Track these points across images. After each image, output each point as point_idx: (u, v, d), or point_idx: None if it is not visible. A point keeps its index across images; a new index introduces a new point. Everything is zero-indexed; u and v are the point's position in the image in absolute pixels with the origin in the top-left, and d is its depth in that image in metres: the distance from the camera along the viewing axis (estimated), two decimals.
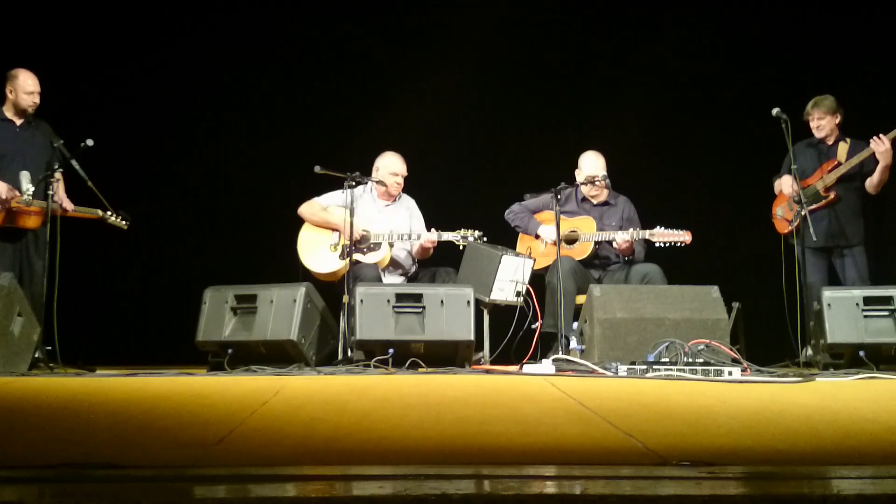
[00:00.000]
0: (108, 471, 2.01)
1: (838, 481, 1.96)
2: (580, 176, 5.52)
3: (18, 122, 5.27)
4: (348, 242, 5.16)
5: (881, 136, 5.18)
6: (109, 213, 5.33)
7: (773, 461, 2.21)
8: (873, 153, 5.20)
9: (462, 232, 5.24)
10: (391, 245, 5.36)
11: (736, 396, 3.35)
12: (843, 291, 4.72)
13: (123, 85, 6.79)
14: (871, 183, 5.32)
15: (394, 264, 5.44)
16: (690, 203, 6.44)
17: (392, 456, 2.25)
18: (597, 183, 5.44)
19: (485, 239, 5.23)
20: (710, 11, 6.71)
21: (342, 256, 5.27)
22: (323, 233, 5.40)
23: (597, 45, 7.01)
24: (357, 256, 5.20)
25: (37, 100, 5.26)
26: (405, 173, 5.56)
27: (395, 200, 5.59)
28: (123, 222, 5.38)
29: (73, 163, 5.06)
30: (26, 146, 5.24)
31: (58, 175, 5.16)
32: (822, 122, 5.46)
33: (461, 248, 5.25)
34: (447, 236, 5.28)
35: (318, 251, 5.37)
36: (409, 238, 5.38)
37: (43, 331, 4.73)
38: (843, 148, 5.43)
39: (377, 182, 5.47)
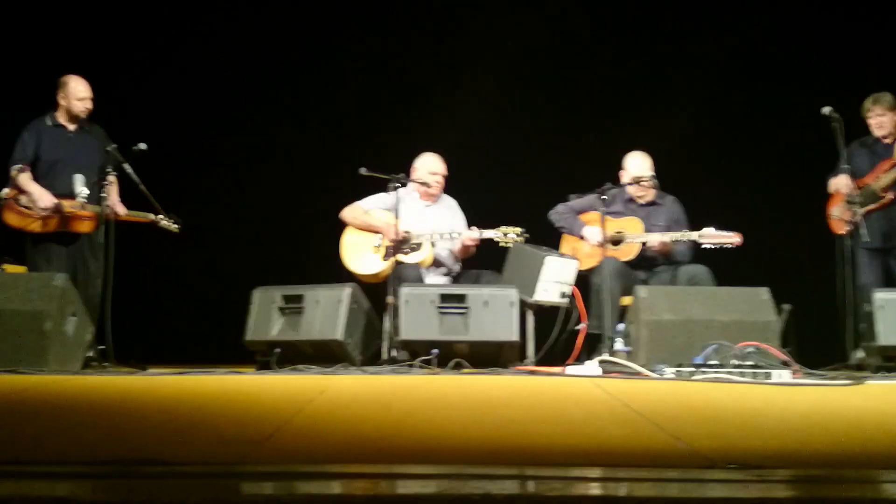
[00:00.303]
0: (157, 467, 2.05)
1: (888, 485, 1.92)
2: (626, 176, 5.47)
3: (71, 127, 5.37)
4: (390, 244, 5.19)
5: None
6: (161, 216, 5.40)
7: (822, 464, 2.18)
8: None
9: (503, 229, 5.17)
10: (433, 245, 5.37)
11: (785, 399, 3.30)
12: (894, 293, 4.63)
13: (173, 89, 6.88)
14: None
15: (436, 264, 5.44)
16: (740, 203, 6.34)
17: (436, 455, 2.26)
18: (643, 183, 5.38)
19: (527, 235, 5.15)
20: (761, 6, 6.60)
21: (385, 258, 5.30)
22: (366, 235, 5.43)
23: (644, 42, 6.94)
24: (399, 257, 5.22)
25: (89, 105, 5.34)
26: (445, 172, 5.57)
27: (436, 201, 5.60)
28: (175, 226, 5.44)
29: (126, 167, 5.14)
30: (79, 151, 5.32)
31: (111, 179, 5.22)
32: (884, 119, 5.33)
33: (501, 245, 5.19)
34: (488, 234, 5.24)
35: (361, 253, 5.40)
36: (451, 237, 5.36)
37: (96, 331, 4.83)
38: None
39: (420, 183, 5.48)
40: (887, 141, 5.36)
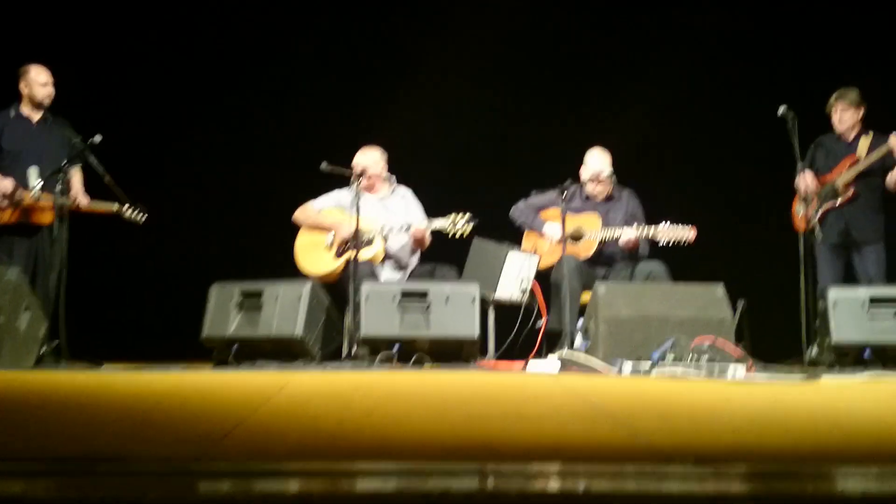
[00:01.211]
0: (113, 465, 2.02)
1: (843, 480, 1.95)
2: (585, 172, 5.51)
3: (35, 118, 5.30)
4: (342, 241, 5.17)
5: None
6: (126, 206, 5.34)
7: (778, 460, 2.21)
8: (893, 149, 5.14)
9: (452, 217, 5.12)
10: (384, 239, 5.32)
11: (741, 395, 3.35)
12: (848, 291, 4.72)
13: (132, 82, 6.80)
14: (892, 180, 5.23)
15: (389, 258, 5.40)
16: (697, 199, 6.41)
17: (396, 452, 2.25)
18: (601, 180, 5.43)
19: (475, 221, 5.09)
20: (720, 4, 6.67)
21: (337, 256, 5.27)
22: (318, 235, 5.39)
23: (604, 38, 6.97)
24: (350, 254, 5.18)
25: (51, 90, 5.29)
26: (373, 163, 5.46)
27: (382, 193, 5.55)
28: (140, 216, 5.39)
29: (91, 158, 5.10)
30: (42, 143, 5.26)
31: (75, 171, 5.23)
32: (846, 116, 5.39)
33: (450, 235, 5.14)
34: (437, 223, 5.20)
35: (314, 253, 5.36)
36: (401, 229, 5.31)
37: (50, 325, 4.75)
38: (863, 143, 5.35)
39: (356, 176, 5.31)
40: (851, 136, 5.42)
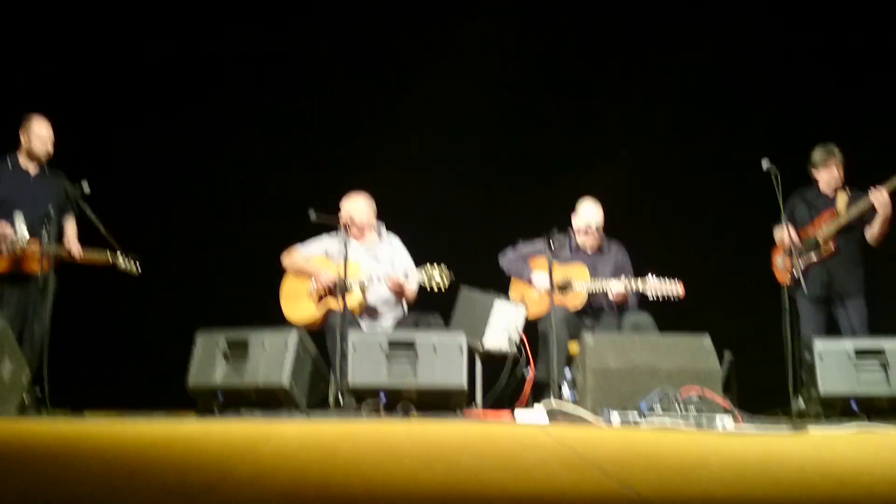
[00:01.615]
0: None
1: None
2: (577, 221, 5.55)
3: (32, 170, 5.31)
4: (322, 289, 5.17)
5: (878, 186, 5.19)
6: (121, 257, 5.33)
7: None
8: (873, 204, 5.21)
9: (427, 270, 5.11)
10: (363, 289, 5.30)
11: (729, 447, 3.34)
12: (834, 343, 4.75)
13: (121, 132, 6.84)
14: (872, 235, 5.32)
15: (369, 311, 5.37)
16: (684, 251, 6.47)
17: (384, 503, 2.23)
18: (588, 233, 5.47)
19: (450, 272, 5.08)
20: (703, 59, 6.78)
21: (318, 304, 5.26)
22: (302, 282, 5.39)
23: (589, 89, 7.08)
24: (330, 303, 5.17)
25: (50, 149, 5.32)
26: (361, 212, 5.48)
27: (379, 239, 5.55)
28: (135, 268, 5.38)
29: (87, 210, 5.15)
30: (37, 194, 5.25)
31: (69, 221, 5.31)
32: (837, 172, 5.45)
33: (428, 289, 5.13)
34: (414, 276, 5.17)
35: (297, 300, 5.35)
36: (379, 280, 5.26)
37: (34, 374, 4.70)
38: (841, 197, 5.44)
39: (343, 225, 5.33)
40: (829, 192, 5.50)
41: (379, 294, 5.37)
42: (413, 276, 5.18)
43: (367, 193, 5.61)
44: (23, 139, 5.32)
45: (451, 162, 6.96)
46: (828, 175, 5.48)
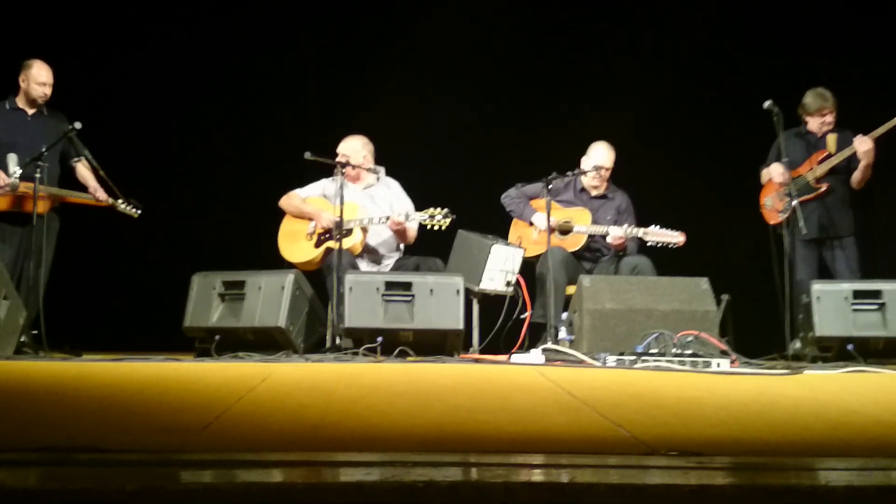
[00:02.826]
0: (93, 455, 1.99)
1: (826, 473, 1.96)
2: (587, 163, 5.49)
3: (30, 111, 5.28)
4: (322, 230, 5.15)
5: (863, 135, 5.17)
6: (121, 200, 5.32)
7: (762, 452, 2.21)
8: (856, 151, 5.20)
9: (430, 211, 5.07)
10: (364, 230, 5.28)
11: (724, 388, 3.35)
12: (832, 285, 4.74)
13: (117, 73, 6.76)
14: (854, 179, 5.32)
15: (368, 250, 5.35)
16: (681, 195, 6.44)
17: (380, 443, 2.24)
18: (602, 173, 5.43)
19: (453, 216, 5.05)
20: (701, 5, 6.68)
21: (316, 245, 5.24)
22: (301, 223, 5.36)
23: (590, 36, 6.98)
24: (330, 244, 5.15)
25: (48, 91, 5.28)
26: (352, 154, 5.39)
27: (377, 183, 5.51)
28: (135, 211, 5.37)
29: (86, 152, 5.14)
30: (35, 135, 5.21)
31: (82, 165, 5.30)
32: (835, 115, 5.42)
33: (429, 227, 5.12)
34: (415, 216, 5.15)
35: (295, 241, 5.33)
36: (380, 221, 5.23)
37: (32, 315, 4.70)
38: (832, 138, 5.40)
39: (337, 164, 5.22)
40: (820, 132, 5.46)
41: (379, 235, 5.35)
42: (414, 218, 5.15)
43: (365, 136, 5.55)
44: (21, 83, 5.29)
45: (451, 105, 6.88)
46: (820, 122, 5.45)
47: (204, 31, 6.85)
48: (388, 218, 5.17)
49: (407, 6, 6.92)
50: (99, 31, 6.69)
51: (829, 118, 5.43)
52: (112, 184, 5.24)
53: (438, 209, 5.07)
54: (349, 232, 5.16)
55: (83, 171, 5.34)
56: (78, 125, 4.96)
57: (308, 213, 5.34)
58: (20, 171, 5.02)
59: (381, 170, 5.54)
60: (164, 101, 6.81)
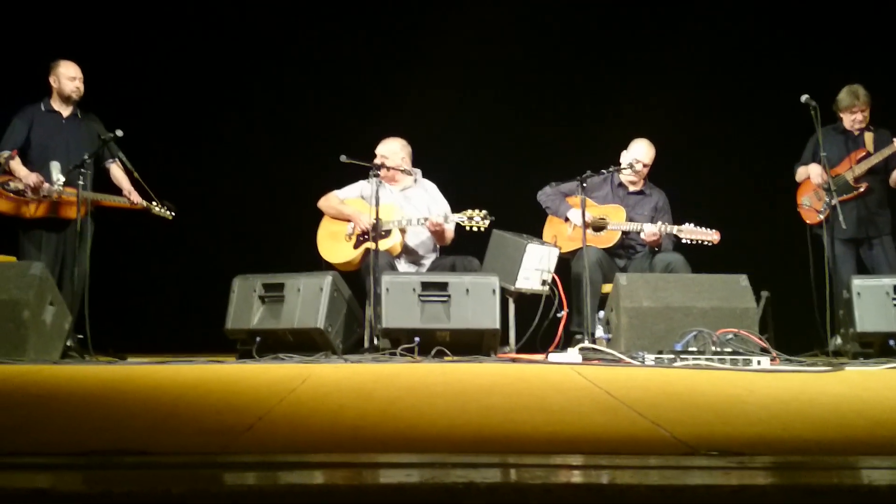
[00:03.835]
0: (138, 458, 2.03)
1: (869, 471, 1.94)
2: (626, 157, 5.48)
3: (66, 112, 5.35)
4: (361, 231, 5.19)
5: None
6: (155, 203, 5.40)
7: (803, 451, 2.20)
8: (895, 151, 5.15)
9: (469, 213, 5.11)
10: (403, 231, 5.31)
11: (765, 386, 3.32)
12: (872, 280, 4.68)
13: (158, 78, 6.87)
14: (893, 180, 5.29)
15: (407, 251, 5.39)
16: (717, 191, 6.40)
17: (418, 444, 2.26)
18: (640, 169, 5.40)
19: (492, 218, 5.08)
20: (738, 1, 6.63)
21: (355, 246, 5.28)
22: (340, 224, 5.41)
23: (624, 35, 6.96)
24: (369, 245, 5.18)
25: (79, 85, 5.34)
26: (395, 154, 5.44)
27: (414, 184, 5.54)
28: (169, 213, 5.45)
29: (120, 155, 5.22)
30: (71, 138, 5.31)
31: (115, 167, 5.37)
32: (867, 114, 5.39)
33: (468, 229, 5.14)
34: (454, 218, 5.19)
35: (334, 242, 5.39)
36: (419, 223, 5.30)
37: (76, 319, 4.79)
38: (869, 137, 5.36)
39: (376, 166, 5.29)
40: (857, 130, 5.41)
41: (417, 236, 5.39)
42: (451, 219, 5.18)
43: (403, 138, 5.58)
44: (52, 83, 5.35)
45: (484, 104, 6.90)
46: (851, 119, 5.39)
47: (242, 34, 6.94)
48: (426, 219, 5.20)
49: (439, 5, 6.93)
50: (138, 33, 6.80)
51: (860, 116, 5.39)
52: (146, 186, 5.31)
53: (477, 211, 5.10)
54: (388, 233, 5.22)
55: (117, 172, 5.42)
56: (119, 133, 5.02)
57: (346, 215, 5.38)
58: (63, 179, 5.11)
59: (418, 172, 5.58)
60: (202, 104, 6.91)
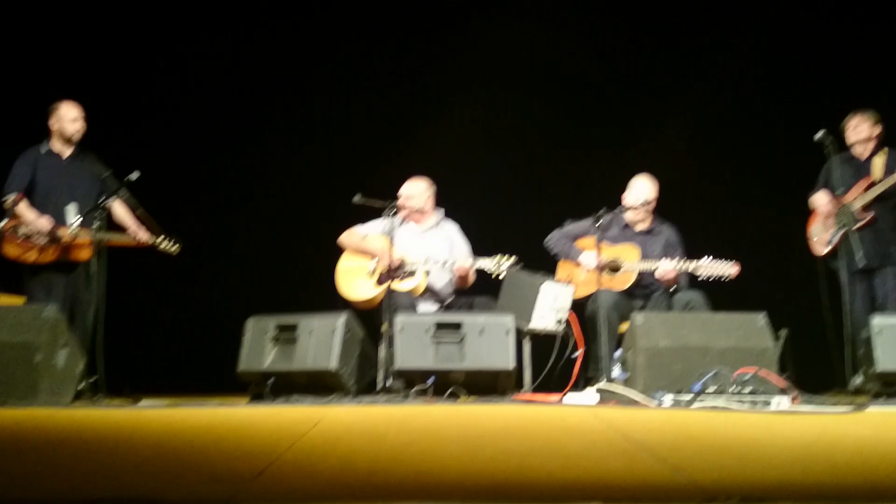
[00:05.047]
0: None
1: None
2: (630, 197, 5.45)
3: (66, 154, 5.37)
4: (384, 269, 5.18)
5: None
6: (161, 238, 5.40)
7: (826, 496, 2.14)
8: None
9: (497, 258, 5.15)
10: (427, 272, 5.31)
11: (785, 428, 3.26)
12: (892, 318, 4.61)
13: (170, 115, 6.92)
14: None
15: (429, 292, 5.38)
16: (733, 228, 6.36)
17: (432, 490, 2.21)
18: (640, 209, 5.37)
19: (521, 265, 5.14)
20: (753, 36, 6.63)
21: (378, 283, 5.27)
22: (361, 260, 5.41)
23: (637, 70, 6.98)
24: (392, 283, 5.18)
25: (81, 126, 5.37)
26: (420, 194, 5.50)
27: (427, 225, 5.55)
28: (174, 247, 5.44)
29: (123, 192, 5.21)
30: (74, 179, 5.33)
31: (118, 206, 5.36)
32: (861, 127, 5.32)
33: (494, 276, 5.16)
34: (481, 263, 5.21)
35: (355, 278, 5.38)
36: (445, 265, 5.31)
37: (89, 361, 4.78)
38: (878, 162, 5.26)
39: (400, 207, 5.40)
40: (866, 155, 5.33)
41: (440, 277, 5.39)
42: (479, 264, 5.18)
43: (428, 178, 5.60)
44: (53, 125, 5.37)
45: (499, 144, 6.92)
46: (850, 132, 5.33)
47: (259, 73, 6.99)
48: (453, 262, 5.21)
49: (451, 51, 6.98)
50: (147, 64, 6.85)
51: (862, 129, 5.30)
52: (151, 221, 5.31)
53: (506, 257, 5.10)
54: (412, 273, 5.22)
55: (120, 210, 5.41)
56: (135, 175, 5.03)
57: (370, 251, 5.38)
58: (80, 221, 5.13)
59: (441, 212, 5.59)
60: (218, 141, 6.94)
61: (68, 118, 5.34)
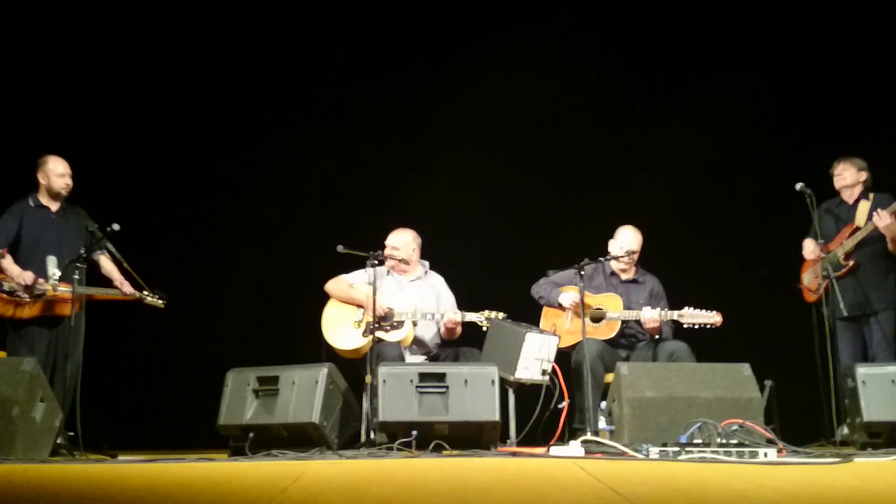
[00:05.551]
0: None
1: None
2: (615, 247, 5.47)
3: (54, 207, 5.35)
4: (371, 319, 5.14)
5: (880, 210, 5.07)
6: (146, 292, 5.36)
7: None
8: (876, 226, 5.09)
9: (486, 313, 5.19)
10: (415, 324, 5.30)
11: (773, 479, 3.23)
12: (877, 368, 4.60)
13: (150, 167, 6.92)
14: (891, 250, 5.20)
15: (417, 343, 5.37)
16: (717, 277, 6.38)
17: None
18: (625, 258, 5.38)
19: (509, 320, 5.14)
20: (737, 87, 6.73)
21: (365, 333, 5.23)
22: (348, 309, 5.38)
23: (622, 121, 7.06)
24: (379, 334, 5.15)
25: (69, 182, 5.35)
26: (405, 246, 5.50)
27: (422, 277, 5.54)
28: (161, 301, 5.40)
29: (109, 246, 5.18)
30: (61, 232, 5.30)
31: (104, 259, 5.33)
32: (847, 173, 5.36)
33: (484, 329, 5.18)
34: (471, 317, 5.22)
35: (341, 327, 5.33)
36: (433, 317, 5.31)
37: (67, 416, 4.70)
38: (863, 207, 5.28)
39: (387, 258, 5.41)
40: (851, 201, 5.37)
41: (428, 329, 5.37)
42: (469, 318, 5.24)
43: (413, 230, 5.60)
44: (41, 179, 5.35)
45: (482, 195, 6.95)
46: (836, 177, 5.38)
47: (241, 125, 7.03)
48: (441, 315, 5.20)
49: (436, 104, 7.06)
50: (128, 121, 6.87)
51: (847, 175, 5.34)
52: (136, 276, 5.27)
53: (495, 312, 5.14)
54: (400, 324, 5.21)
55: (106, 264, 5.38)
56: (116, 227, 5.02)
57: (357, 300, 5.34)
58: (59, 274, 5.08)
59: (426, 264, 5.59)
60: (197, 193, 6.94)
61: (55, 173, 5.32)
